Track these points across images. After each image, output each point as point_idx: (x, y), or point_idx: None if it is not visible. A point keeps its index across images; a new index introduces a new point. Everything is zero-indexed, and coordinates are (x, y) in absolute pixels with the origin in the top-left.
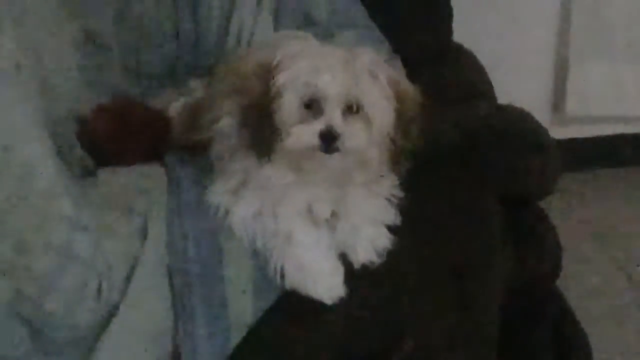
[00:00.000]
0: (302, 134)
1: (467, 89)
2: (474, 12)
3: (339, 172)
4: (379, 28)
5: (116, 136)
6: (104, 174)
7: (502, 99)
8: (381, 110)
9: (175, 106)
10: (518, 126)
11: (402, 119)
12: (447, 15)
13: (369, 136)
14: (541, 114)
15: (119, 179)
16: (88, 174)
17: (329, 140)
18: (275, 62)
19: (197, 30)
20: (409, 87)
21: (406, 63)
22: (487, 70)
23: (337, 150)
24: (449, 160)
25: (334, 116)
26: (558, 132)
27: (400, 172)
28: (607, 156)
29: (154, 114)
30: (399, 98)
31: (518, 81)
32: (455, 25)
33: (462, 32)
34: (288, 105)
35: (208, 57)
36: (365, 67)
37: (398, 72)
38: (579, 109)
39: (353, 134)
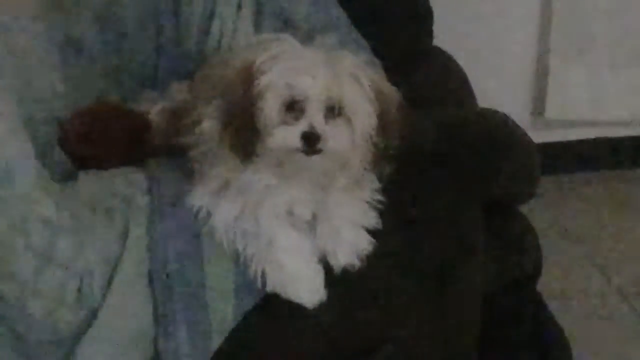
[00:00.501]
0: (284, 136)
1: (447, 93)
2: (453, 16)
3: (320, 173)
4: (360, 32)
5: (96, 139)
6: (85, 177)
7: (482, 102)
8: (363, 112)
9: (156, 109)
10: (498, 130)
11: (383, 121)
12: (427, 18)
13: (351, 138)
14: (521, 118)
15: (99, 182)
16: (68, 177)
17: (310, 141)
18: (256, 65)
19: (178, 34)
20: (390, 90)
21: (386, 67)
22: (467, 73)
23: (318, 151)
24: (429, 164)
25: (315, 118)
26: (538, 136)
27: (381, 174)
28: (587, 160)
29: (134, 117)
30: (381, 100)
31: (498, 85)
32: (435, 29)
33: (442, 36)
34: (269, 107)
35: (189, 61)
36: (346, 69)
37: (379, 75)
38: (558, 113)
39: (335, 136)
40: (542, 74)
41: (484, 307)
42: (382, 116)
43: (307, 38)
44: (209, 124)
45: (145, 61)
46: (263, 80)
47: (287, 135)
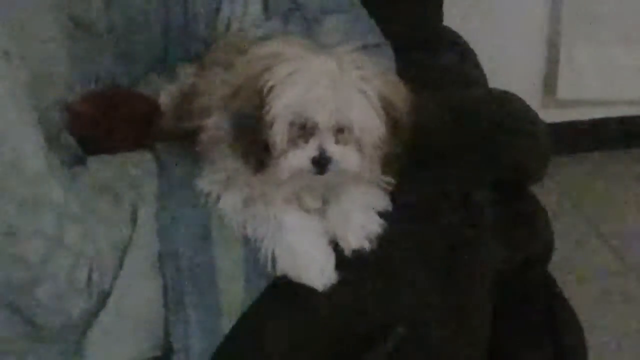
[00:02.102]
0: (294, 159)
1: (457, 74)
2: None
3: (331, 185)
4: (369, 12)
5: (105, 123)
6: (93, 161)
7: (493, 82)
8: (372, 129)
9: (165, 93)
10: (509, 111)
11: (393, 129)
12: None
13: (361, 155)
14: (532, 98)
15: (108, 166)
16: (77, 161)
17: (320, 165)
18: (266, 89)
19: (186, 17)
20: (398, 92)
21: (396, 48)
22: (478, 54)
23: (329, 171)
24: (441, 145)
25: (325, 140)
26: (549, 116)
27: (393, 173)
28: (599, 139)
29: (142, 101)
30: (389, 110)
31: (509, 65)
32: (445, 9)
33: (452, 17)
34: (279, 132)
35: (198, 44)
36: (354, 83)
37: (387, 79)
38: (570, 93)
39: (345, 156)
40: (553, 54)
41: (495, 288)
42: (391, 125)
43: (314, 20)
44: (217, 118)
45: (153, 44)
46: (273, 106)
47: (297, 159)
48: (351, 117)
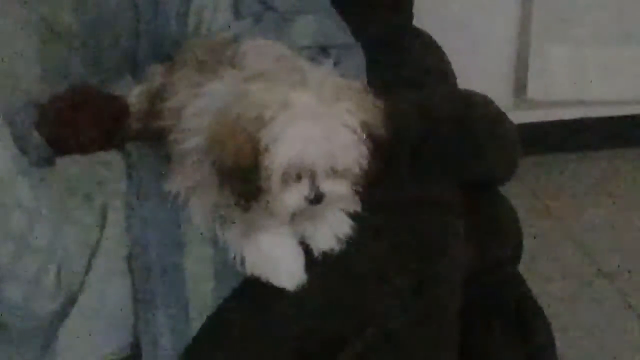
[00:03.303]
0: (290, 201)
1: (427, 74)
2: None
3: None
4: (339, 12)
5: (74, 124)
6: (62, 162)
7: (463, 83)
8: (358, 159)
9: (134, 93)
10: (478, 111)
11: (374, 150)
12: None
13: (350, 182)
14: (502, 98)
15: (77, 167)
16: (46, 162)
17: (314, 201)
18: (260, 143)
19: (157, 20)
20: (377, 112)
21: (366, 48)
22: (447, 54)
23: (321, 203)
24: (408, 147)
25: (318, 180)
26: (520, 117)
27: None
28: (569, 140)
29: (111, 101)
30: (371, 134)
31: (479, 65)
32: (415, 10)
33: (422, 17)
34: (275, 180)
35: (168, 45)
36: (340, 119)
37: (366, 105)
38: (540, 93)
39: (336, 187)
40: (523, 54)
41: (465, 288)
42: (372, 147)
43: (284, 21)
44: (194, 142)
45: (124, 45)
46: (269, 163)
47: (292, 200)
48: (343, 160)
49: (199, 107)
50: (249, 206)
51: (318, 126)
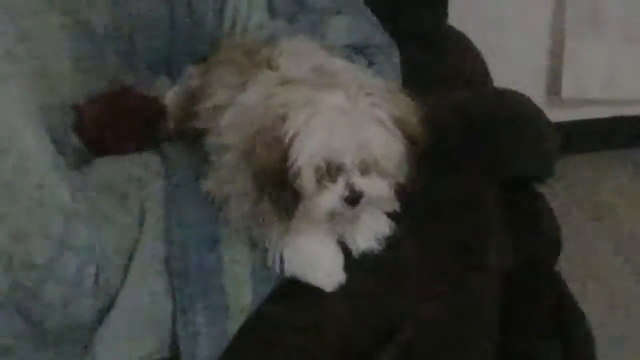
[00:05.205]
0: (326, 202)
1: (463, 73)
2: None
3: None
4: (374, 11)
5: (111, 125)
6: (100, 162)
7: (497, 82)
8: (392, 154)
9: (170, 94)
10: (517, 111)
11: (410, 146)
12: None
13: (386, 181)
14: (536, 97)
15: (115, 168)
16: (84, 163)
17: (352, 201)
18: (286, 141)
19: (192, 18)
20: (409, 107)
21: (400, 47)
22: (482, 53)
23: (360, 204)
24: (448, 146)
25: (352, 177)
26: (554, 116)
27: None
28: (603, 139)
29: (148, 102)
30: (404, 129)
31: (513, 65)
32: (449, 9)
33: (457, 16)
34: (307, 177)
35: (203, 44)
36: (368, 114)
37: (397, 98)
38: (574, 92)
39: (373, 186)
40: (557, 53)
41: (503, 287)
42: (408, 143)
43: (319, 21)
44: (229, 137)
45: (158, 45)
46: (297, 157)
47: (329, 200)
48: (374, 152)
49: (230, 119)
50: (291, 215)
51: (343, 118)
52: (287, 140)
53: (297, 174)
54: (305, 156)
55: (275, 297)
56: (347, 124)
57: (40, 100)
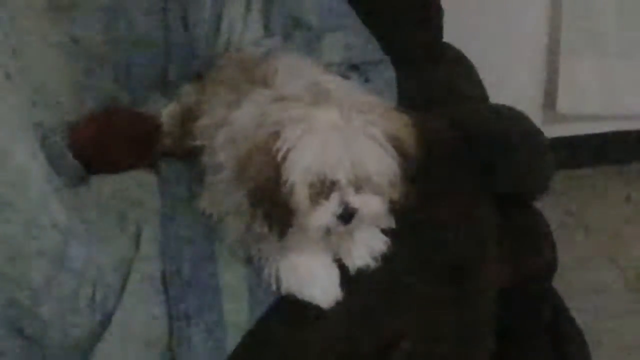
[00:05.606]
0: (320, 219)
1: (458, 89)
2: (463, 11)
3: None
4: (369, 28)
5: (107, 143)
6: (96, 181)
7: (493, 97)
8: (386, 171)
9: (166, 112)
10: (513, 127)
11: (404, 163)
12: (437, 13)
13: (380, 198)
14: (532, 112)
15: (111, 186)
16: (80, 181)
17: (346, 218)
18: (279, 157)
19: (187, 36)
20: (403, 124)
21: (396, 64)
22: (478, 69)
23: (353, 221)
24: (444, 162)
25: (346, 194)
26: (550, 131)
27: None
28: (599, 154)
29: (143, 120)
30: (399, 146)
31: (508, 79)
32: (445, 25)
33: (452, 32)
34: (300, 194)
35: (198, 62)
36: (362, 130)
37: (390, 114)
38: (570, 107)
39: (367, 204)
40: (553, 68)
41: (499, 303)
42: (402, 160)
43: (315, 38)
44: (224, 155)
45: (154, 64)
46: (290, 173)
47: (322, 218)
48: (368, 168)
49: (225, 138)
50: (284, 232)
51: (337, 135)
52: (280, 156)
53: (291, 191)
54: (299, 173)
55: (273, 314)
56: (341, 141)
57: (37, 118)
